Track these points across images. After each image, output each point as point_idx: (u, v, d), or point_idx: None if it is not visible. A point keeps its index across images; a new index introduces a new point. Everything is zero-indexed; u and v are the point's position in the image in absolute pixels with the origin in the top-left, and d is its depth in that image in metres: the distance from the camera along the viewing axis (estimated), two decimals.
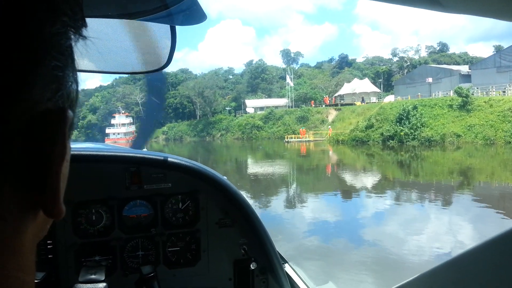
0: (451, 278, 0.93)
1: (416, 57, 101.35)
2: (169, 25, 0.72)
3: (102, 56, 0.70)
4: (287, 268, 2.07)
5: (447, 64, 76.74)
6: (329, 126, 59.51)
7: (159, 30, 0.73)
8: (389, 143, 43.92)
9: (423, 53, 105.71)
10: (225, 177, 1.94)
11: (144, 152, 1.96)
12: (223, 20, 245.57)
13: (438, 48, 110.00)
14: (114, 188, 1.81)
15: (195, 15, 0.71)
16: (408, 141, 42.89)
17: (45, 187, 0.37)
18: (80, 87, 0.40)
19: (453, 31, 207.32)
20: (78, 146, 1.98)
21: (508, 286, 0.78)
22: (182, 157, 1.93)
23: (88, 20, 0.39)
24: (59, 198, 0.39)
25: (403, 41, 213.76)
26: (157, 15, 0.66)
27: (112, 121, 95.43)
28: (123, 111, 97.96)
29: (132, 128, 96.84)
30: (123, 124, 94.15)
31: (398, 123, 44.50)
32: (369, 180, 24.15)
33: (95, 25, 0.61)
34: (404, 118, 44.17)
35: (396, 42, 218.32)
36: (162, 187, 1.86)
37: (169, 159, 1.82)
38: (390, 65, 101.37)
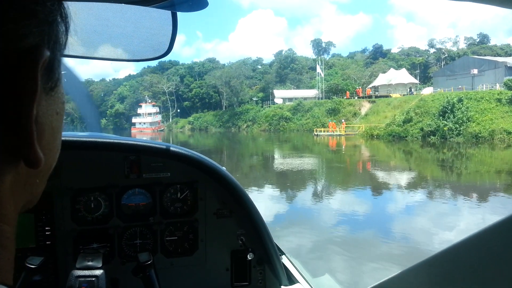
0: (445, 268, 0.94)
1: (454, 49, 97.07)
2: (170, 12, 0.72)
3: (103, 42, 0.71)
4: (284, 259, 2.07)
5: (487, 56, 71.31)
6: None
7: (160, 17, 0.73)
8: (430, 139, 39.85)
9: (462, 45, 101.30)
10: (224, 168, 1.91)
11: (144, 141, 1.91)
12: (255, 10, 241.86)
13: (478, 40, 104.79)
14: (113, 176, 1.81)
15: (196, 2, 0.70)
16: (452, 137, 38.74)
17: (19, 130, 0.36)
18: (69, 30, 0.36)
19: (494, 22, 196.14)
20: (78, 134, 1.91)
21: (502, 275, 0.80)
22: (184, 147, 1.91)
23: (88, 4, 0.37)
24: (33, 142, 0.37)
25: (440, 34, 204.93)
26: (159, 3, 0.66)
27: (139, 111, 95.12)
28: (149, 100, 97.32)
29: (158, 118, 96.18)
30: (149, 114, 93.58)
31: (441, 117, 40.36)
32: (403, 179, 21.72)
33: (95, 10, 0.63)
34: (449, 111, 39.92)
35: (432, 34, 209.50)
36: (161, 176, 1.86)
37: (169, 148, 1.81)
38: (427, 56, 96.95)
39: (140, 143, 1.84)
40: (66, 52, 0.43)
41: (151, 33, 0.75)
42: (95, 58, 0.69)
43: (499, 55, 76.42)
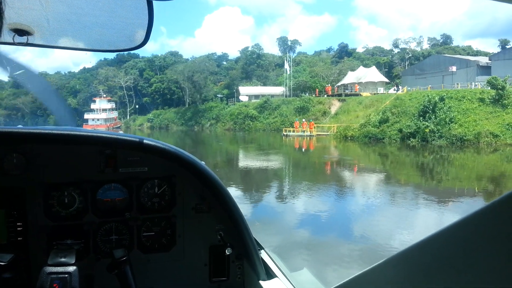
0: (420, 261, 0.94)
1: (418, 49, 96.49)
2: (145, 1, 0.70)
3: (76, 32, 0.68)
4: (263, 254, 2.05)
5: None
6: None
7: (135, 6, 0.70)
8: (409, 141, 36.57)
9: (425, 45, 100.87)
10: (203, 162, 1.87)
11: (120, 134, 1.85)
12: (222, 7, 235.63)
13: (441, 41, 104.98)
14: (88, 171, 1.77)
15: None
16: (434, 139, 35.68)
17: None
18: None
19: (452, 26, 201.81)
20: (51, 127, 1.81)
21: (476, 266, 0.80)
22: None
23: None
24: None
25: (401, 35, 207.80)
26: None
27: (92, 106, 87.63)
28: (104, 95, 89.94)
29: (114, 114, 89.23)
30: (104, 110, 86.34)
31: (421, 118, 37.20)
32: (371, 186, 19.18)
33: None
34: (430, 111, 36.80)
35: (393, 36, 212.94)
36: (138, 170, 1.82)
37: (145, 141, 1.75)
38: (391, 56, 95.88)
39: (117, 137, 1.76)
40: (38, 42, 0.39)
41: (126, 23, 0.72)
42: (69, 48, 0.67)
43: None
